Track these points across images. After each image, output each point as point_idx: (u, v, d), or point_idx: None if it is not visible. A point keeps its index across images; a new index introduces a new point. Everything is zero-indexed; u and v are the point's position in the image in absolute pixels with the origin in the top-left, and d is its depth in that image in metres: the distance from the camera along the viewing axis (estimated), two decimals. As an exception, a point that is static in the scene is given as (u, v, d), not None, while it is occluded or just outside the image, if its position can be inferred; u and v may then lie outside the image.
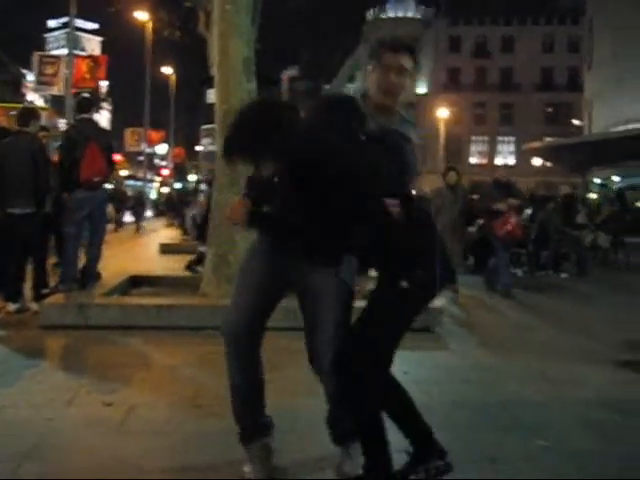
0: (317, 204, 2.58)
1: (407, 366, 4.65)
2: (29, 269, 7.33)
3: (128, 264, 11.33)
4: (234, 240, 6.92)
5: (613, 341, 6.38)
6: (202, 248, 9.19)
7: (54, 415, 3.72)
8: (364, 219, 2.60)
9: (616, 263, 15.23)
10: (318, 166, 2.56)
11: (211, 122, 8.60)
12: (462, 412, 4.03)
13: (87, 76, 25.59)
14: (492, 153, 61.67)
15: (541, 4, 61.57)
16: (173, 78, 45.78)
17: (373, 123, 2.78)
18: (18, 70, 46.45)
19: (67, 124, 18.77)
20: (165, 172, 59.47)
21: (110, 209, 11.11)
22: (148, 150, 44.74)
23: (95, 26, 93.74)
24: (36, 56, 25.75)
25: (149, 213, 43.97)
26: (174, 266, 10.88)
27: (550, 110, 60.85)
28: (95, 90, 26.83)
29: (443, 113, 52.54)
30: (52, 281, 7.62)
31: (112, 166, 7.96)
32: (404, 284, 2.62)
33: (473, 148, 62.46)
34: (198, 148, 49.14)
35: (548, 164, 43.65)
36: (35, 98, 45.79)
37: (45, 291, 7.22)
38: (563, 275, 12.44)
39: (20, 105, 25.11)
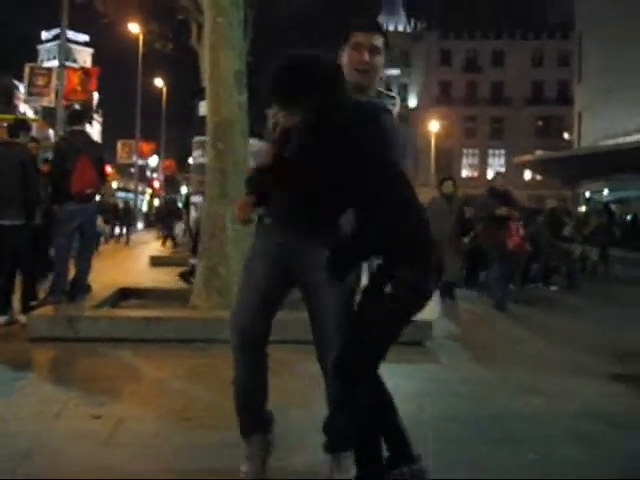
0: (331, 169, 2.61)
1: (398, 379, 4.64)
2: (17, 281, 7.29)
3: (118, 276, 11.30)
4: (225, 252, 6.91)
5: (603, 353, 6.40)
6: (193, 260, 9.17)
7: (42, 428, 3.68)
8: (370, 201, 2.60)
9: (605, 275, 15.29)
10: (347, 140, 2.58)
11: (202, 134, 8.60)
12: (453, 425, 4.02)
13: (78, 88, 25.56)
14: (483, 166, 62.02)
15: (530, 19, 62.14)
16: (164, 90, 45.94)
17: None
18: (10, 81, 46.39)
19: (57, 135, 18.73)
20: (156, 184, 59.45)
21: (100, 221, 11.09)
22: (140, 162, 44.68)
23: (86, 38, 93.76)
24: (27, 67, 25.68)
25: (140, 225, 43.96)
26: (164, 278, 10.84)
27: (540, 123, 61.34)
28: (87, 102, 26.77)
29: (434, 127, 52.81)
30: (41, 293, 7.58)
31: (103, 178, 7.95)
32: (388, 289, 2.62)
33: (464, 161, 62.83)
34: (190, 160, 49.07)
35: (538, 177, 43.88)
36: (26, 109, 45.77)
37: (33, 303, 7.18)
38: (553, 288, 12.47)
39: (12, 116, 25.06)
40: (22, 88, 31.98)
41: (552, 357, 6.30)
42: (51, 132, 32.78)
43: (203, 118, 7.92)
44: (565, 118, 52.73)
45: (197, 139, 13.36)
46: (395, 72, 60.74)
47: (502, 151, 60.78)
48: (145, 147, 51.95)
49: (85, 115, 8.62)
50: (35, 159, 7.34)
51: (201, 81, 16.66)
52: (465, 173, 60.70)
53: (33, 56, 79.28)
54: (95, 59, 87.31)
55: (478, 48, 62.33)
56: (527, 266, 12.81)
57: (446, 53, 62.74)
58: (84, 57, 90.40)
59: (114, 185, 51.98)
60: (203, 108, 10.18)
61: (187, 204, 17.59)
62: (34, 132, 14.74)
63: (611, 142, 29.19)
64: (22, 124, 7.79)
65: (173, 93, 72.72)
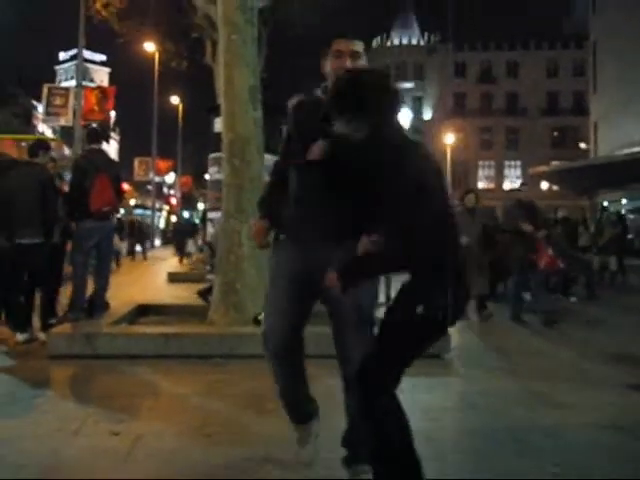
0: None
1: (416, 392, 4.63)
2: (37, 299, 7.35)
3: (136, 292, 11.35)
4: (241, 268, 6.94)
5: (623, 364, 6.33)
6: (210, 276, 9.21)
7: (60, 445, 3.70)
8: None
9: (623, 285, 15.16)
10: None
11: (218, 150, 8.66)
12: (472, 438, 3.99)
13: (96, 108, 25.80)
14: (499, 178, 61.75)
15: (544, 29, 62.07)
16: (180, 107, 46.30)
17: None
18: (29, 102, 47.00)
19: (74, 154, 18.92)
20: (174, 201, 59.79)
21: (116, 239, 11.15)
22: (157, 179, 44.99)
23: (103, 57, 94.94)
24: (45, 88, 25.97)
25: (157, 242, 44.20)
26: (182, 294, 10.89)
27: (556, 134, 61.03)
28: (104, 121, 27.02)
29: (449, 139, 52.70)
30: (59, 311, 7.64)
31: (120, 196, 8.02)
32: (420, 310, 2.61)
33: (480, 173, 62.60)
34: (206, 177, 49.36)
35: (555, 188, 43.63)
36: (45, 129, 46.26)
37: (52, 321, 7.23)
38: (572, 299, 12.36)
39: (31, 136, 25.36)
40: (40, 108, 32.33)
41: (571, 368, 6.24)
42: (67, 151, 33.12)
43: (219, 135, 7.97)
44: (581, 128, 52.47)
45: (213, 156, 13.43)
46: (409, 85, 60.84)
47: (518, 162, 60.53)
48: (162, 164, 52.29)
49: (103, 134, 8.71)
50: (53, 178, 7.42)
51: (216, 98, 16.81)
52: (481, 185, 60.42)
53: (51, 77, 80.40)
54: (112, 78, 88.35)
55: (492, 59, 62.27)
56: (546, 277, 12.71)
57: (460, 65, 62.73)
58: (101, 76, 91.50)
59: (132, 202, 52.39)
60: (219, 125, 10.26)
61: (204, 220, 17.69)
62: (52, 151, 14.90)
63: (628, 151, 28.98)
64: (42, 144, 7.89)
65: (189, 110, 73.32)
